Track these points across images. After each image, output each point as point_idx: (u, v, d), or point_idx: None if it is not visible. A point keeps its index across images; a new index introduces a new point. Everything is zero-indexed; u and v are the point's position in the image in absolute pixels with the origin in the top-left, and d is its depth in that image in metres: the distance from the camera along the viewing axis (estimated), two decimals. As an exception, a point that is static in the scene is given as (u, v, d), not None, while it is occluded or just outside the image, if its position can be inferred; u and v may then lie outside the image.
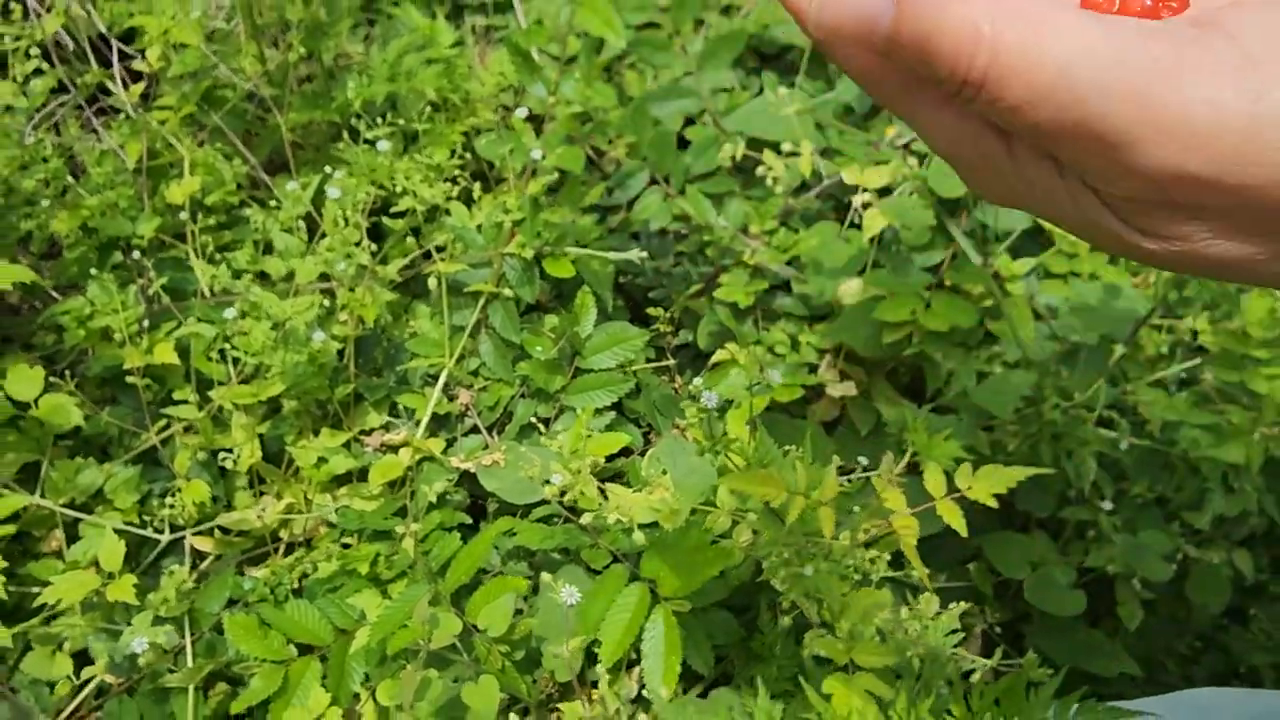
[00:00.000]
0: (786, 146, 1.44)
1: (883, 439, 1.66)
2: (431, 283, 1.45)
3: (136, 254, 1.51)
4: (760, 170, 1.42)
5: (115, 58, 1.71)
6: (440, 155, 1.69)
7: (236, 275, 1.46)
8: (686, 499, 1.29)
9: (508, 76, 1.74)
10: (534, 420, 1.59)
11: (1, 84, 1.33)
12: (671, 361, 1.92)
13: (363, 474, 1.48)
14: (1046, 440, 1.42)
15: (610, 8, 1.31)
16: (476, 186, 1.68)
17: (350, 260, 1.36)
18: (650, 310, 1.88)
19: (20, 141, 1.36)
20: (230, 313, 1.30)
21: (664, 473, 1.37)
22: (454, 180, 1.56)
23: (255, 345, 1.29)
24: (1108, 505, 1.45)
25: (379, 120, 1.54)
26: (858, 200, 1.43)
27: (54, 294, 1.68)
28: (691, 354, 1.89)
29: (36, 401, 1.26)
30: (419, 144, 1.72)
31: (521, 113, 1.56)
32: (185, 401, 1.41)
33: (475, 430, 1.57)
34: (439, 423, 1.56)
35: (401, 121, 1.59)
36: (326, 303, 1.39)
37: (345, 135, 1.72)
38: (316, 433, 1.52)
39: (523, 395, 1.56)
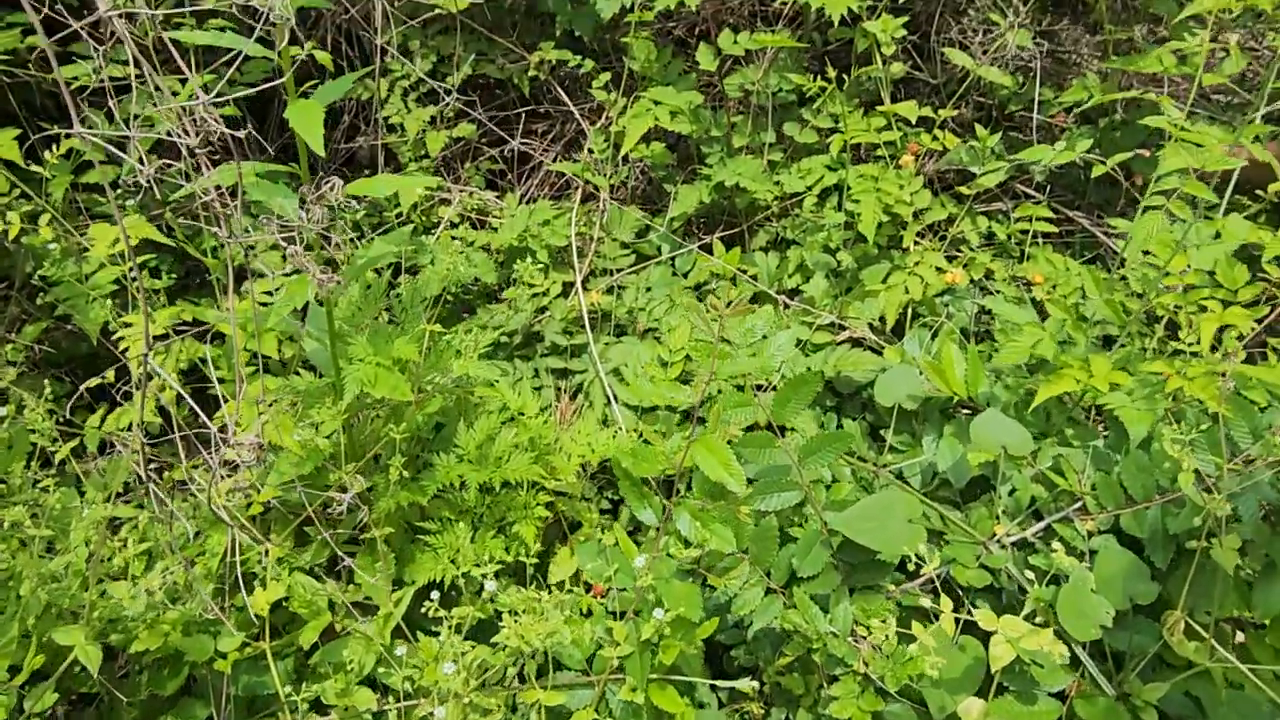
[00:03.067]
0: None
1: None
2: (534, 716, 1.37)
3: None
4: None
5: (215, 453, 1.68)
6: (528, 533, 1.65)
7: (323, 711, 1.38)
8: None
9: (596, 450, 1.72)
10: None
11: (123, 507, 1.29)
12: (760, 732, 1.81)
13: None
14: None
15: (728, 451, 1.28)
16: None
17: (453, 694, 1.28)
18: (739, 686, 1.78)
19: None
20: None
21: None
22: (541, 564, 1.51)
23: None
24: None
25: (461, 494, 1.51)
26: (980, 616, 1.37)
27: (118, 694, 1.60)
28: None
29: None
30: (499, 498, 1.70)
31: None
32: None
33: None
34: None
35: (487, 506, 1.56)
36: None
37: (430, 505, 1.69)
38: None
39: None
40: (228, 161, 1.26)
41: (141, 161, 1.01)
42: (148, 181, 0.94)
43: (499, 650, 1.43)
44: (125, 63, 1.99)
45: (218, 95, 1.03)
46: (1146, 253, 1.68)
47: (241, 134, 0.98)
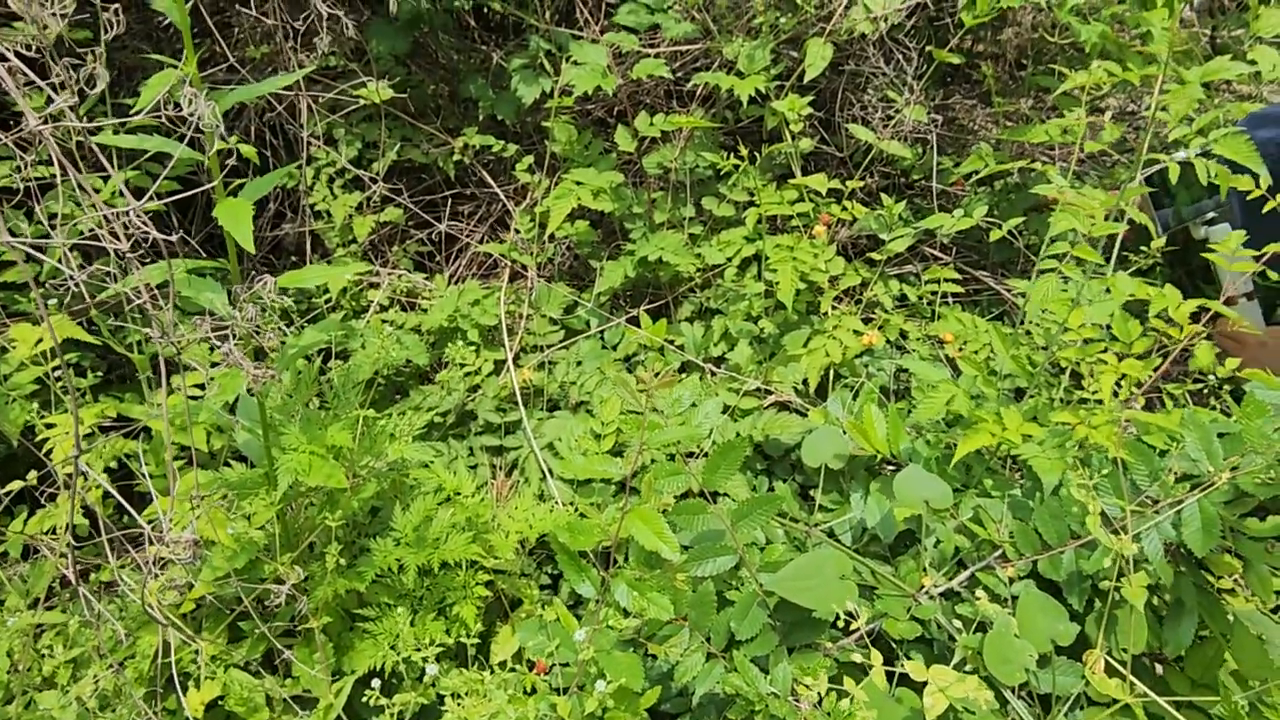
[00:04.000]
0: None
1: None
2: (480, 802, 1.36)
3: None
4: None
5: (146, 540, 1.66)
6: (468, 614, 1.65)
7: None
8: None
9: (534, 526, 1.73)
10: None
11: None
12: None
13: None
14: None
15: (661, 521, 1.31)
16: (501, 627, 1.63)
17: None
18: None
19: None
20: None
21: None
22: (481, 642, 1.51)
23: None
24: None
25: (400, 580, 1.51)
26: (910, 667, 1.41)
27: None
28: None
29: None
30: (438, 580, 1.69)
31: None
32: None
33: None
34: None
35: (426, 588, 1.56)
36: None
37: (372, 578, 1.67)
38: None
39: None
40: (154, 259, 1.27)
41: (63, 261, 1.03)
42: (77, 286, 0.95)
43: (444, 734, 1.42)
44: (48, 163, 1.99)
45: (144, 193, 1.06)
46: (1045, 310, 1.79)
47: (175, 237, 1.00)
